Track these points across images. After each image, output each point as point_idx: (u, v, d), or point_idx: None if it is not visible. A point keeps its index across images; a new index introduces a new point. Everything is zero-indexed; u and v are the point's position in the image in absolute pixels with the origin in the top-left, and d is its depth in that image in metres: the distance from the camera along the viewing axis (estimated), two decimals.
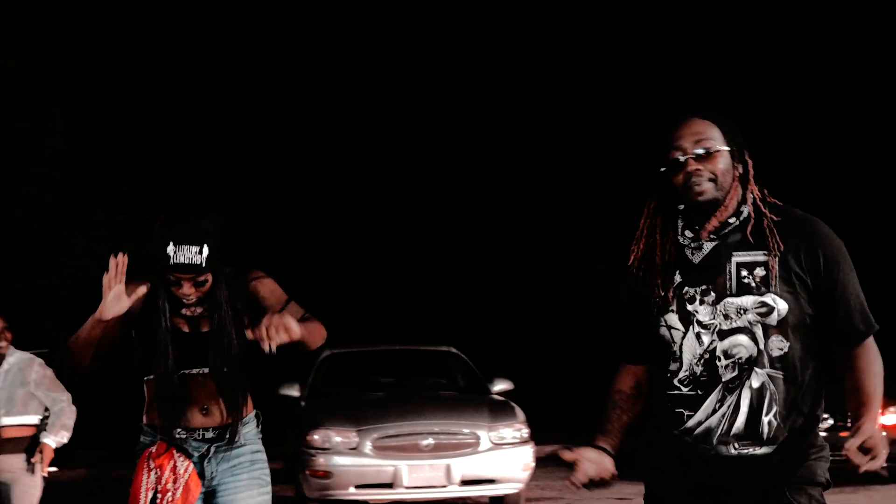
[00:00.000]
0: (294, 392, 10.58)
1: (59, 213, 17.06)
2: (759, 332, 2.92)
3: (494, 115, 20.46)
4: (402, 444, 9.30)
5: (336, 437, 9.28)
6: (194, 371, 3.55)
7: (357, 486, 9.24)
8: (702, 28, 21.24)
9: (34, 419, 6.55)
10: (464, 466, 9.29)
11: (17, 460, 6.48)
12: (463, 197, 20.03)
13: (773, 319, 2.92)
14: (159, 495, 3.49)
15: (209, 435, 3.59)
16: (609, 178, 20.36)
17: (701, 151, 2.94)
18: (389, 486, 9.22)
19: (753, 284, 2.93)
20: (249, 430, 3.67)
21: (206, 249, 3.40)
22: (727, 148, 2.96)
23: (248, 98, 20.39)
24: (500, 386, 10.67)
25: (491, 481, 9.45)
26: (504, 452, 9.45)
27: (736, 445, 2.92)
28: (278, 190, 20.32)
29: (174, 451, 3.55)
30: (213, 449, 3.59)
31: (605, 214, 20.12)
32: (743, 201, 3.00)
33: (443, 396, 10.45)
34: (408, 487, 9.21)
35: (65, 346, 3.53)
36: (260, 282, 3.64)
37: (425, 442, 9.31)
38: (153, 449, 3.57)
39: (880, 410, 2.96)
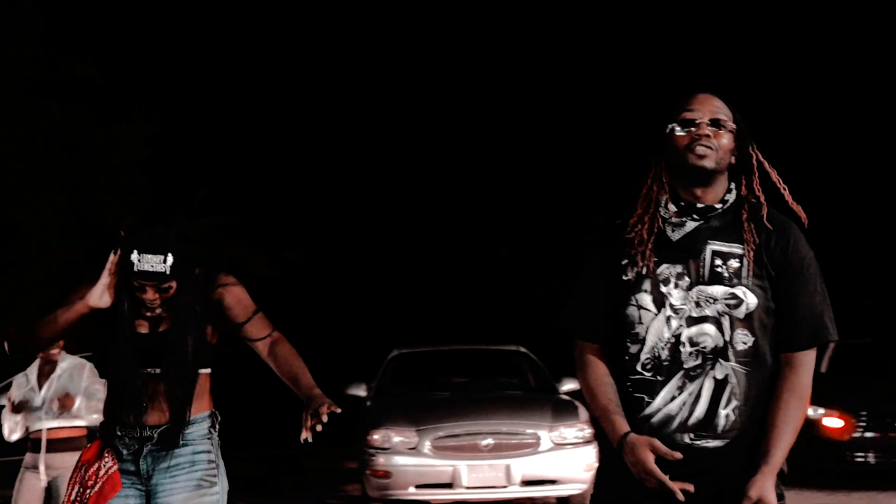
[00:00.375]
0: (361, 392, 10.64)
1: (140, 218, 17.37)
2: (726, 323, 2.89)
3: (575, 113, 20.32)
4: (461, 444, 9.27)
5: (395, 437, 9.30)
6: (147, 371, 3.57)
7: (417, 486, 9.24)
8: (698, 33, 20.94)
9: (85, 422, 6.73)
10: (524, 467, 9.21)
11: (70, 458, 6.64)
12: (538, 197, 19.92)
13: (741, 312, 2.89)
14: (83, 489, 3.55)
15: (146, 434, 3.59)
16: None
17: (717, 118, 2.95)
18: (449, 486, 9.19)
19: (726, 275, 2.90)
20: (196, 431, 3.65)
21: (170, 258, 3.45)
22: (735, 132, 2.98)
23: (327, 102, 20.56)
24: (569, 385, 10.56)
25: (552, 482, 9.35)
26: (565, 453, 9.35)
27: (692, 436, 2.88)
28: (355, 190, 20.44)
29: (104, 451, 3.59)
30: (145, 448, 3.59)
31: None
32: (730, 191, 2.99)
33: (505, 396, 10.40)
34: (467, 488, 9.18)
35: (30, 325, 3.60)
36: (226, 289, 3.64)
37: (484, 442, 9.27)
38: (89, 446, 3.65)
39: (786, 450, 2.89)
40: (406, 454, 9.23)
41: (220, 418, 3.75)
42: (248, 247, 17.82)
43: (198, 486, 3.60)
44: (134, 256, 3.44)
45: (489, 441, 9.27)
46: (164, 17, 19.34)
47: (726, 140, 2.96)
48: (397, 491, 9.23)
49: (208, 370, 3.70)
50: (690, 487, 2.84)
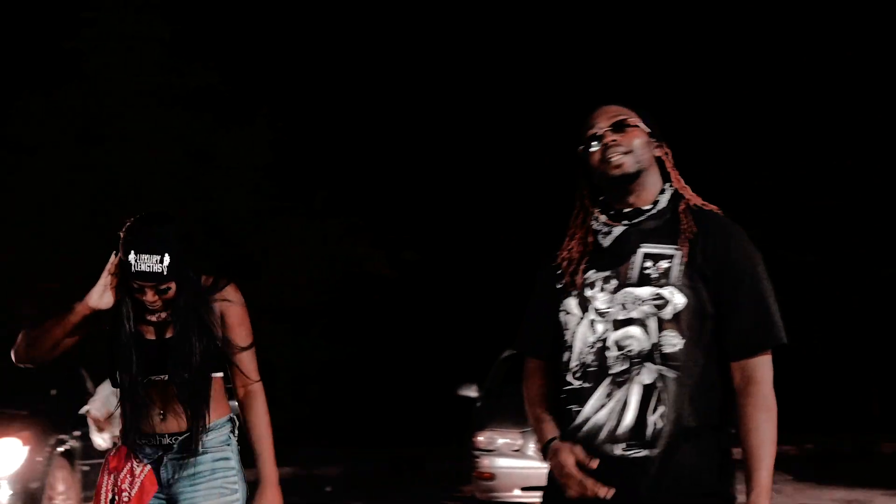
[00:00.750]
0: (472, 393, 10.62)
1: (265, 221, 17.73)
2: (652, 325, 2.74)
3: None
4: None
5: (500, 438, 9.24)
6: (156, 378, 3.54)
7: (522, 489, 9.17)
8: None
9: None
10: None
11: None
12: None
13: (668, 313, 2.72)
14: (116, 497, 3.52)
15: (165, 441, 3.57)
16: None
17: (618, 121, 2.84)
18: None
19: (655, 276, 2.76)
20: (214, 438, 3.61)
21: (167, 258, 3.38)
22: (645, 128, 2.87)
23: (445, 104, 20.57)
24: None
25: None
26: None
27: (623, 446, 2.72)
28: (471, 191, 20.39)
29: (130, 456, 3.57)
30: (166, 457, 3.57)
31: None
32: (663, 191, 2.87)
33: None
34: None
35: (32, 332, 3.54)
36: (232, 306, 3.58)
37: None
38: (113, 453, 3.61)
39: (769, 470, 2.69)
40: (511, 456, 9.16)
41: (238, 423, 3.72)
42: (369, 248, 18.01)
43: (219, 494, 3.58)
44: (131, 257, 3.37)
45: None
46: (285, 21, 19.65)
47: (638, 137, 2.84)
48: (502, 493, 9.18)
49: (220, 374, 3.65)
50: (609, 492, 2.70)
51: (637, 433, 2.72)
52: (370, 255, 17.94)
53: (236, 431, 3.70)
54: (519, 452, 9.18)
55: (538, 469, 9.11)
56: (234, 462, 3.66)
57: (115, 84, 16.37)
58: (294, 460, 15.34)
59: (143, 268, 3.37)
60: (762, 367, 2.74)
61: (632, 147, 2.83)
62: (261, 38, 18.97)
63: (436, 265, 19.35)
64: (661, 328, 2.73)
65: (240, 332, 3.58)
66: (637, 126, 2.86)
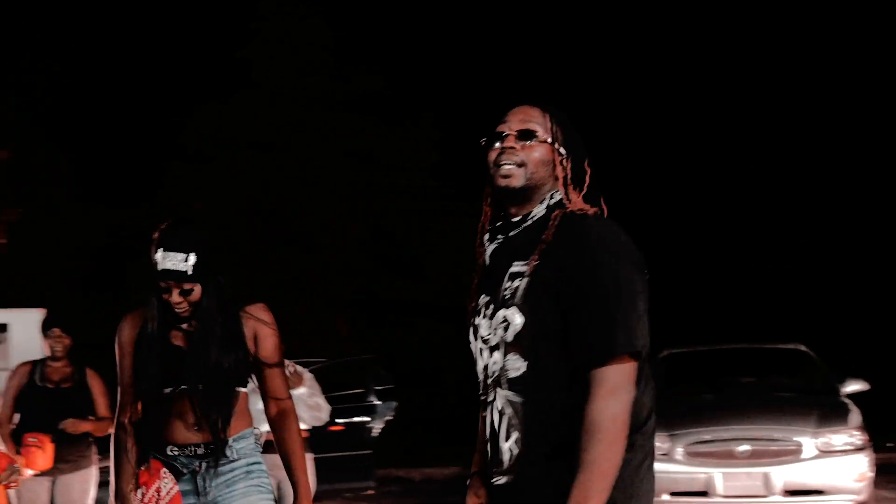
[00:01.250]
0: None
1: (430, 221, 17.89)
2: (502, 349, 2.58)
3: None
4: (715, 450, 8.81)
5: None
6: (182, 387, 3.52)
7: (671, 494, 8.88)
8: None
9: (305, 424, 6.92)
10: (785, 475, 8.62)
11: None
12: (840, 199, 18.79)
13: (510, 335, 2.56)
14: None
15: (200, 451, 3.55)
16: None
17: (527, 129, 2.65)
18: (704, 494, 8.76)
19: (508, 297, 2.58)
20: (246, 446, 3.60)
21: (192, 257, 3.39)
22: (551, 143, 2.65)
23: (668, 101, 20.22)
24: (854, 387, 9.81)
25: (818, 492, 8.69)
26: (832, 461, 8.66)
27: (494, 474, 2.62)
28: (670, 190, 20.02)
29: (161, 471, 3.55)
30: (203, 465, 3.55)
31: None
32: (542, 201, 2.65)
33: (772, 399, 9.78)
34: (724, 497, 8.71)
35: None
36: (263, 326, 3.55)
37: (741, 448, 8.76)
38: (144, 468, 3.59)
39: (587, 495, 2.43)
40: (658, 460, 8.85)
41: (261, 440, 3.71)
42: None
43: (259, 491, 3.60)
44: (159, 254, 3.40)
45: (745, 447, 8.76)
46: (446, 21, 19.74)
47: (539, 153, 2.64)
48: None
49: (246, 389, 3.62)
50: None
51: (499, 461, 2.61)
52: None
53: (259, 445, 3.69)
54: (666, 456, 8.89)
55: (687, 474, 8.83)
56: (265, 467, 3.67)
57: (282, 91, 16.83)
58: (459, 460, 15.41)
59: (169, 265, 3.39)
60: (599, 384, 2.48)
61: (527, 161, 2.64)
62: (422, 38, 19.11)
63: None
64: (506, 352, 2.59)
65: (272, 347, 3.57)
66: (544, 142, 2.66)
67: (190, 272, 3.40)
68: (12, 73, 16.95)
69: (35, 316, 8.48)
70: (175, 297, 3.45)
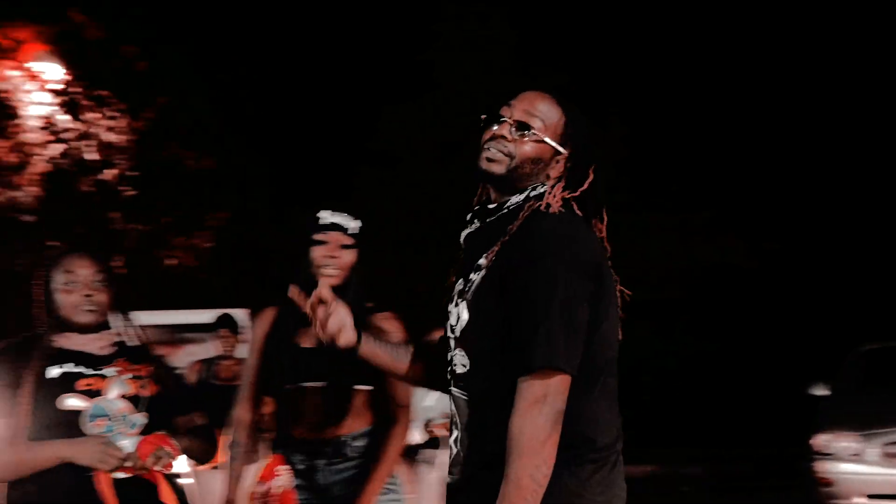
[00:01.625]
0: (824, 392, 10.00)
1: (620, 216, 17.64)
2: (453, 342, 2.47)
3: None
4: None
5: (838, 441, 8.61)
6: (306, 385, 3.53)
7: (867, 497, 8.48)
8: None
9: None
10: None
11: None
12: None
13: (458, 331, 2.44)
14: None
15: (318, 448, 3.56)
16: None
17: (525, 122, 2.51)
18: None
19: (466, 289, 2.47)
20: (364, 444, 3.59)
21: (358, 222, 3.53)
22: (550, 141, 2.51)
23: (794, 92, 19.56)
24: None
25: None
26: None
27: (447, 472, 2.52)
28: (833, 177, 19.26)
29: (279, 466, 3.57)
30: (321, 462, 3.55)
31: None
32: (520, 192, 2.52)
33: None
34: None
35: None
36: (391, 335, 3.55)
37: None
38: (266, 462, 3.62)
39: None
40: (849, 461, 8.51)
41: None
42: (729, 240, 17.45)
43: (382, 490, 3.59)
44: (324, 213, 3.53)
45: None
46: (629, 18, 19.48)
47: (529, 148, 2.52)
48: (842, 500, 8.56)
49: (369, 387, 3.60)
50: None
51: (450, 457, 2.53)
52: (730, 246, 17.38)
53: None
54: (858, 458, 8.50)
55: (884, 475, 8.41)
56: None
57: (466, 91, 16.92)
58: (654, 459, 15.15)
59: (337, 219, 3.51)
60: (521, 395, 2.31)
61: (515, 154, 2.54)
62: (607, 34, 18.91)
63: (798, 255, 18.41)
64: (455, 346, 2.48)
65: (395, 332, 3.58)
66: (541, 141, 2.54)
67: (355, 231, 3.52)
68: (218, 86, 17.66)
69: (241, 315, 8.84)
70: (331, 248, 3.49)
